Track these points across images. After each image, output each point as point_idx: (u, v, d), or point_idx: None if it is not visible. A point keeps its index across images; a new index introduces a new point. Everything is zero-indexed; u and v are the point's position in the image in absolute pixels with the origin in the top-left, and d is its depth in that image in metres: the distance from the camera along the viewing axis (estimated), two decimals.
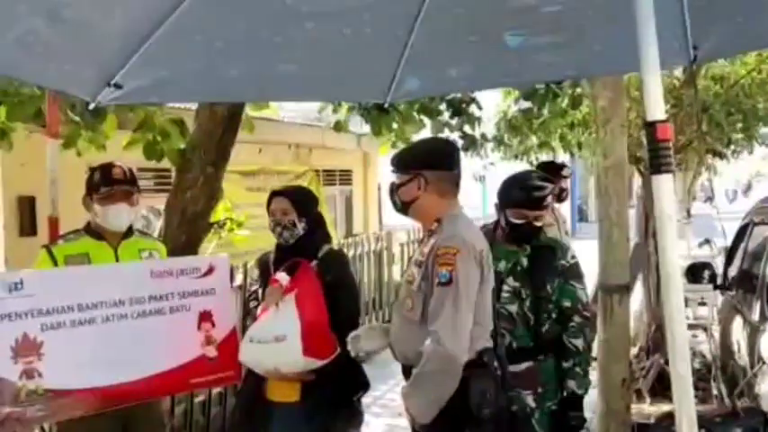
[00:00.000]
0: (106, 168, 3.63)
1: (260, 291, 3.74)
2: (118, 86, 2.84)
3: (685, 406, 2.11)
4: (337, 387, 3.57)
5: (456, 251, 2.86)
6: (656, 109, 2.08)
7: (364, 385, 3.75)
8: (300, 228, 3.68)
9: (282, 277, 3.48)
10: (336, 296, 3.55)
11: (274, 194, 3.77)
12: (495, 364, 3.01)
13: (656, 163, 2.06)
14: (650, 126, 2.07)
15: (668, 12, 2.79)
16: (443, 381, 2.81)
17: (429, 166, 3.05)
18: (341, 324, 3.47)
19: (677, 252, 2.08)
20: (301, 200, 3.76)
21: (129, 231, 3.75)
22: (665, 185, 2.07)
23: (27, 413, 3.23)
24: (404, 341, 3.07)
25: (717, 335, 7.04)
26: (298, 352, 3.34)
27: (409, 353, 3.00)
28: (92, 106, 3.01)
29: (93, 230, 3.67)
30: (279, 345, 3.35)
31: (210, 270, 3.78)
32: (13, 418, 3.21)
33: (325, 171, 12.82)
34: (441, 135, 7.27)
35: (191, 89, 3.26)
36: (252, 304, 3.81)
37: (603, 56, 3.27)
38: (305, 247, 3.67)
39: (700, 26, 2.94)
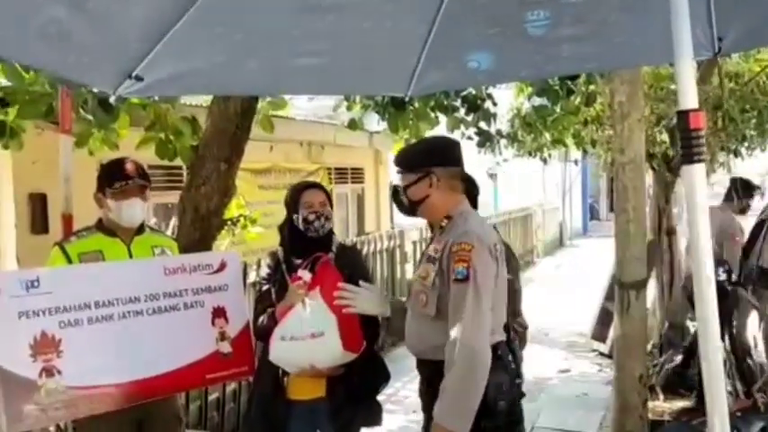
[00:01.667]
0: (119, 164, 3.63)
1: (273, 290, 3.70)
2: (139, 79, 2.82)
3: (718, 399, 2.07)
4: (361, 380, 3.56)
5: (471, 247, 2.86)
6: (689, 97, 2.05)
7: (386, 378, 3.73)
8: (332, 221, 3.70)
9: (305, 274, 3.46)
10: None
11: (309, 187, 3.76)
12: (510, 357, 3.04)
13: (688, 152, 2.03)
14: (683, 114, 2.03)
15: (694, 1, 2.75)
16: (473, 378, 2.80)
17: (439, 163, 3.07)
18: (361, 317, 3.45)
19: (709, 242, 2.05)
20: (329, 194, 3.78)
21: (141, 228, 3.76)
22: (698, 175, 2.04)
23: (47, 411, 3.24)
24: (418, 335, 3.08)
25: (733, 331, 7.00)
26: (337, 346, 3.34)
27: (424, 347, 3.04)
28: (112, 99, 2.99)
29: (105, 227, 3.67)
30: (316, 341, 3.34)
31: (223, 266, 3.81)
32: (34, 416, 3.21)
33: (336, 169, 12.79)
34: (456, 131, 7.27)
35: (211, 82, 3.23)
36: (260, 306, 3.74)
37: (625, 48, 3.24)
38: (324, 240, 3.67)
39: (725, 17, 2.90)
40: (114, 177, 3.58)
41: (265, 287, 3.75)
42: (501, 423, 2.96)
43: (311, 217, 3.62)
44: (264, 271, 3.84)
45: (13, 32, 2.29)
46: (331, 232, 3.75)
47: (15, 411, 3.16)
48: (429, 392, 2.99)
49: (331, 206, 3.73)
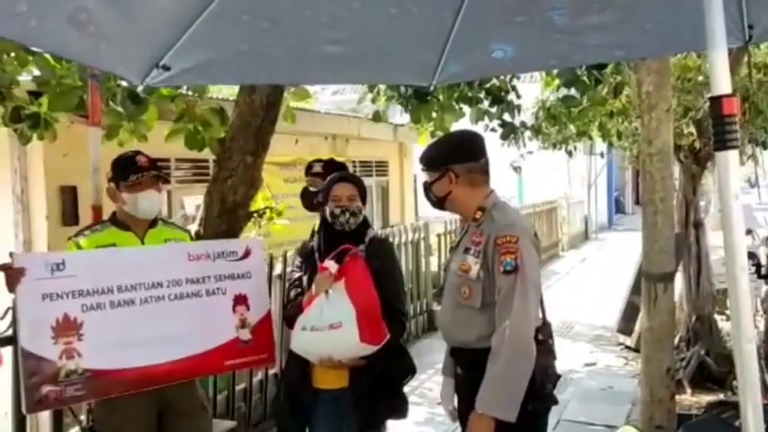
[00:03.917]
0: (131, 157, 3.66)
1: (304, 278, 3.72)
2: (166, 68, 2.82)
3: (751, 390, 2.04)
4: (385, 372, 3.57)
5: (516, 239, 2.94)
6: (722, 83, 2.02)
7: (411, 370, 3.73)
8: (362, 215, 3.70)
9: (331, 265, 3.47)
10: (384, 283, 3.53)
11: (339, 180, 3.74)
12: (551, 340, 3.11)
13: (721, 138, 2.00)
14: (716, 100, 2.01)
15: None
16: (521, 368, 2.87)
17: (456, 160, 3.15)
18: (388, 310, 3.48)
19: (742, 230, 2.02)
20: (362, 186, 3.77)
21: (155, 221, 3.79)
22: (731, 161, 2.01)
23: (66, 392, 3.29)
24: (460, 325, 3.14)
25: (761, 325, 6.95)
26: (354, 339, 3.35)
27: (466, 336, 3.10)
28: (140, 88, 3.00)
29: (119, 221, 3.70)
30: (334, 332, 3.35)
31: (247, 253, 3.85)
32: (52, 397, 3.26)
33: (361, 162, 12.79)
34: (480, 123, 7.24)
35: (237, 70, 3.23)
36: (293, 293, 3.77)
37: (653, 36, 3.19)
38: (356, 233, 3.66)
39: (756, 4, 2.85)
40: (128, 170, 3.61)
41: (297, 275, 3.76)
42: (548, 405, 3.07)
43: (337, 211, 3.63)
44: (298, 259, 3.85)
45: (46, 24, 2.30)
46: (364, 224, 3.74)
47: (35, 391, 3.22)
48: (469, 379, 3.06)
49: (363, 200, 3.72)
